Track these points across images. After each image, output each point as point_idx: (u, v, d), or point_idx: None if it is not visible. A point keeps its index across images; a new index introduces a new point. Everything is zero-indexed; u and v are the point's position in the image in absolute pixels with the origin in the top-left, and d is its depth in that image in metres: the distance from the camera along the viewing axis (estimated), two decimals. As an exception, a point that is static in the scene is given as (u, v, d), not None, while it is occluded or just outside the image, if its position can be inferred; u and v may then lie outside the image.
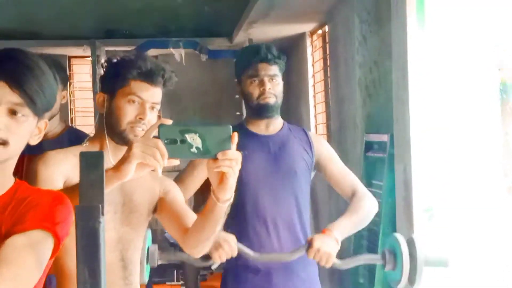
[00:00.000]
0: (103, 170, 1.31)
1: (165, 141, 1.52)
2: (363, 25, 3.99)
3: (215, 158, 1.55)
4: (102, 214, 1.28)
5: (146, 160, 1.54)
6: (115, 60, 2.04)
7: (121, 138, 1.95)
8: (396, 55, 3.07)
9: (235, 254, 2.43)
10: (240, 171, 2.52)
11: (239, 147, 2.60)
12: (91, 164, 1.31)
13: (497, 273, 2.70)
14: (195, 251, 1.96)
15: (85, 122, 6.83)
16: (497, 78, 2.80)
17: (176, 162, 1.56)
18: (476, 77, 2.74)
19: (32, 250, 1.33)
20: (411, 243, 2.37)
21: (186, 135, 1.51)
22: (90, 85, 6.41)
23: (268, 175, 2.62)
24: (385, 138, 3.47)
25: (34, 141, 1.51)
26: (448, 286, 2.65)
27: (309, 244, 2.42)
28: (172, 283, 5.75)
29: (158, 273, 5.18)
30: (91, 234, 1.27)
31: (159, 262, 2.43)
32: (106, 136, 1.99)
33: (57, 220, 1.39)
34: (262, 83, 2.60)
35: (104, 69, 2.06)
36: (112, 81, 2.00)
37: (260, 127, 2.68)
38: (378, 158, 3.61)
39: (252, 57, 2.62)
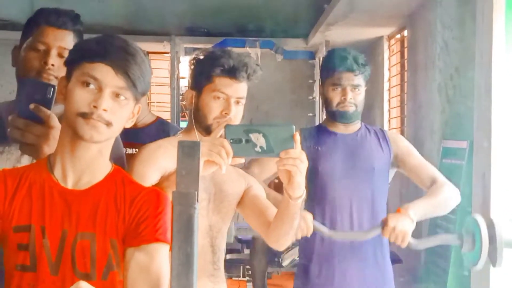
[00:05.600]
0: (199, 159, 1.36)
1: (231, 141, 1.60)
2: (445, 30, 3.95)
3: (278, 157, 1.60)
4: (197, 200, 1.34)
5: (213, 157, 1.61)
6: (201, 58, 2.10)
7: (208, 132, 2.02)
8: (480, 62, 3.03)
9: (310, 231, 2.45)
10: (319, 167, 2.56)
11: (318, 145, 2.65)
12: (188, 153, 1.37)
13: None
14: (277, 245, 2.03)
15: (161, 116, 6.91)
16: None
17: (241, 160, 1.64)
18: None
19: (156, 265, 1.47)
20: (490, 225, 2.32)
21: (251, 135, 1.58)
22: (166, 80, 6.52)
23: (346, 172, 2.64)
24: (464, 145, 3.43)
25: (128, 124, 1.59)
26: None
27: (384, 223, 2.41)
28: (239, 278, 5.81)
29: (225, 268, 5.23)
30: (186, 219, 1.32)
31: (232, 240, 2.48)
32: (195, 129, 2.05)
33: (166, 227, 1.49)
34: (344, 92, 2.62)
35: (192, 67, 2.13)
36: (198, 79, 2.08)
37: (339, 127, 2.71)
38: (455, 165, 3.57)
39: (338, 64, 2.62)
